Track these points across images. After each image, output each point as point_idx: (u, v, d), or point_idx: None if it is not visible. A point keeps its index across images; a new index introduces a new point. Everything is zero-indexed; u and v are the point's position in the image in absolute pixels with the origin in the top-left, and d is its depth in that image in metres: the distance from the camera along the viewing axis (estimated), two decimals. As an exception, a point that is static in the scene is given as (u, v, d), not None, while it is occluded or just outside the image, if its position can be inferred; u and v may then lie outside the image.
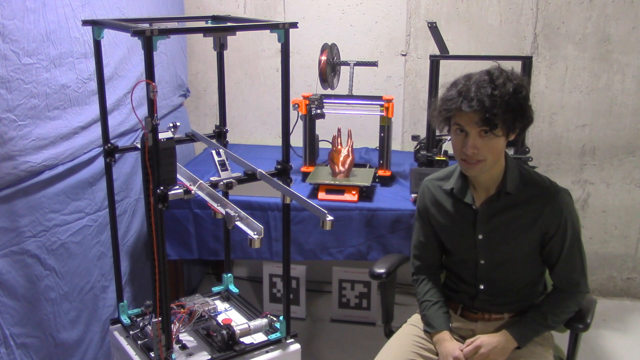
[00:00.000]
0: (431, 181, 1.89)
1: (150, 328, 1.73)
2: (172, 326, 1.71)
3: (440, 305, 1.86)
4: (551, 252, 1.76)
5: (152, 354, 1.73)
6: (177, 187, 1.55)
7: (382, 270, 1.99)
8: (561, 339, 1.90)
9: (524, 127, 1.69)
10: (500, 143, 1.66)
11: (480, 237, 1.77)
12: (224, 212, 1.51)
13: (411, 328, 1.91)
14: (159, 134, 1.49)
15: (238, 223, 1.49)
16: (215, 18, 1.93)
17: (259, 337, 1.85)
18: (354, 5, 3.07)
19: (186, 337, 1.86)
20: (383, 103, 2.51)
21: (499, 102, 1.59)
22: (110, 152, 1.84)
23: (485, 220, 1.76)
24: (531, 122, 1.69)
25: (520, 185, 1.74)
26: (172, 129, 1.59)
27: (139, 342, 1.82)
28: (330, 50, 2.60)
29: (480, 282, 1.82)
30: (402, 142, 3.20)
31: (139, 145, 1.58)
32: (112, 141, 1.84)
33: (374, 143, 2.72)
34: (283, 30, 1.65)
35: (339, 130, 2.65)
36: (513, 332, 1.74)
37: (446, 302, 1.88)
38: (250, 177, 1.73)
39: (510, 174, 1.74)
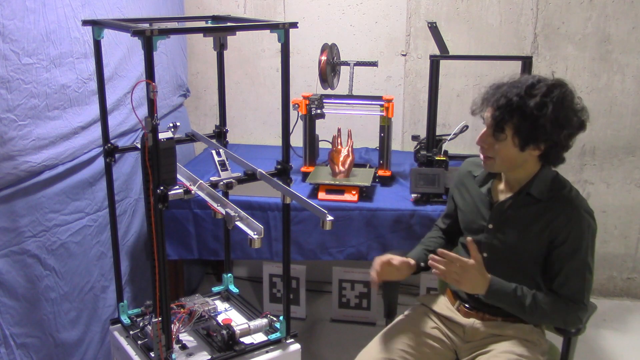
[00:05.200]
0: (468, 163, 1.94)
1: (150, 328, 1.73)
2: (172, 326, 1.71)
3: (425, 248, 1.95)
4: (554, 262, 1.70)
5: (152, 354, 1.73)
6: (177, 187, 1.55)
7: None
8: (560, 339, 1.90)
9: (554, 147, 1.64)
10: (509, 150, 1.65)
11: (490, 226, 1.79)
12: (224, 212, 1.51)
13: (422, 308, 1.96)
14: (159, 134, 1.49)
15: (238, 223, 1.49)
16: (215, 18, 1.93)
17: (259, 337, 1.85)
18: (354, 5, 3.07)
19: (186, 337, 1.86)
20: (383, 103, 2.51)
21: (514, 107, 1.58)
22: (110, 152, 1.83)
23: (499, 212, 1.78)
24: (560, 143, 1.63)
25: (545, 191, 1.71)
26: (172, 129, 1.58)
27: (139, 342, 1.82)
28: (330, 50, 2.60)
29: None
30: (402, 142, 3.20)
31: (139, 145, 1.58)
32: (112, 141, 1.84)
33: (374, 143, 2.72)
34: (283, 30, 1.65)
35: (339, 130, 2.65)
36: (494, 280, 1.68)
37: (434, 251, 1.76)
38: (250, 177, 1.73)
39: (540, 179, 1.72)
